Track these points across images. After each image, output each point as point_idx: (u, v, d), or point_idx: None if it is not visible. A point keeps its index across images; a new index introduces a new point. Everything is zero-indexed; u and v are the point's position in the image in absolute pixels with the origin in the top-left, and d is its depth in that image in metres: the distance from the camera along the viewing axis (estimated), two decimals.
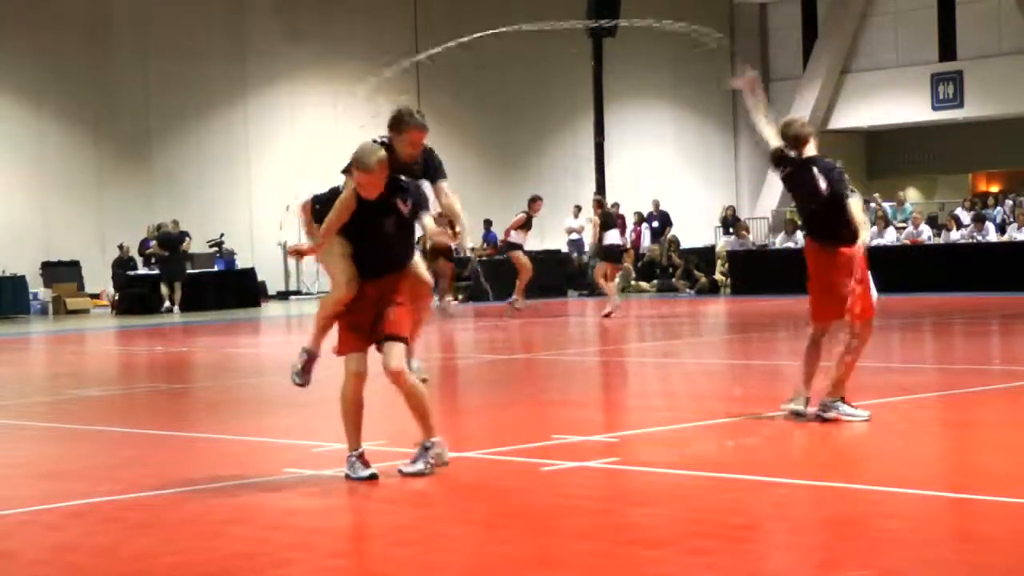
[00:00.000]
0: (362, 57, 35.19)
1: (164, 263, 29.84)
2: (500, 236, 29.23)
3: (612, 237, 23.63)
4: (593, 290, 28.23)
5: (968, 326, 19.55)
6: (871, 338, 9.77)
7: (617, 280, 26.18)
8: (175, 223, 31.09)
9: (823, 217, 9.66)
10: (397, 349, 7.83)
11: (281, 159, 34.49)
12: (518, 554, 6.23)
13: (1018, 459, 8.24)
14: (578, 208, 34.58)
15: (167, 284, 29.75)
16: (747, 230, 32.35)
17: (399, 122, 8.72)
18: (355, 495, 7.68)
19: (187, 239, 31.17)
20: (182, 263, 30.05)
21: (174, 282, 29.70)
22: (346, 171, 8.10)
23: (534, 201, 24.70)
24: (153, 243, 30.64)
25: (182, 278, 29.81)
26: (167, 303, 29.55)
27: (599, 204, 24.54)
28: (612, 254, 23.75)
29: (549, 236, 34.33)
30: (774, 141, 9.95)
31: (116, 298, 30.64)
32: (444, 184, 11.02)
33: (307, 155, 34.86)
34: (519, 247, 24.60)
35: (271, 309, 30.44)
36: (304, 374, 8.44)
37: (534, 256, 26.95)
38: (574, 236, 34.75)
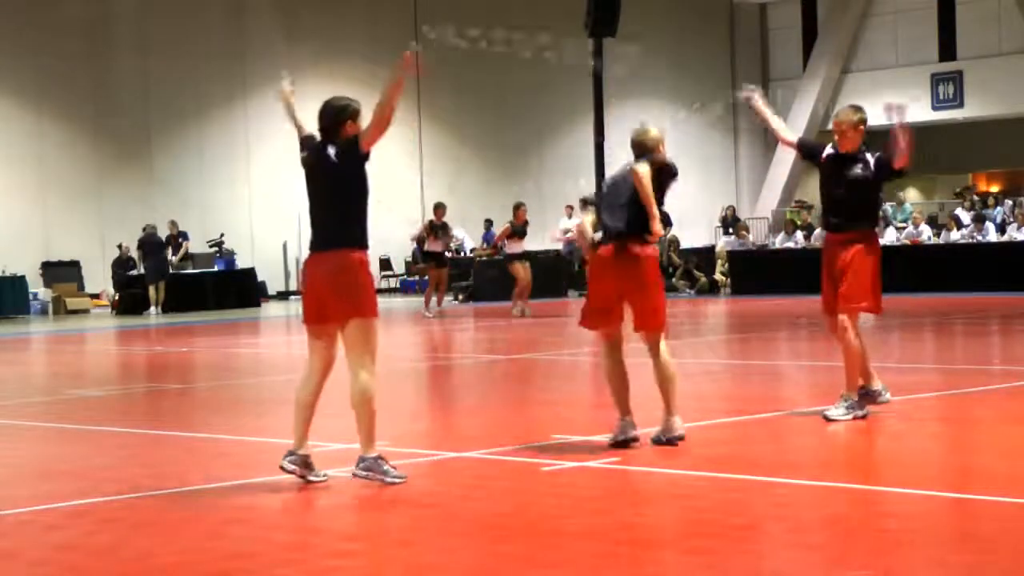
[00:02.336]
0: (362, 56, 35.20)
1: (145, 265, 29.72)
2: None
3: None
4: None
5: (968, 326, 19.55)
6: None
7: None
8: (173, 223, 31.08)
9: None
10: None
11: (281, 159, 34.45)
12: (518, 554, 6.23)
13: (1018, 459, 8.24)
14: (570, 208, 34.57)
15: (151, 285, 29.59)
16: (747, 230, 32.36)
17: None
18: (355, 495, 7.67)
19: (183, 240, 31.13)
20: (163, 265, 29.84)
21: (155, 284, 29.53)
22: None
23: (517, 209, 24.81)
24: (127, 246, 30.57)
25: (162, 279, 29.61)
26: (151, 306, 29.38)
27: (585, 203, 24.44)
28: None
29: (549, 237, 34.26)
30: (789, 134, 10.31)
31: (116, 298, 30.61)
32: None
33: None
34: (516, 257, 24.62)
35: (271, 309, 30.43)
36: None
37: (534, 256, 26.86)
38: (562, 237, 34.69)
